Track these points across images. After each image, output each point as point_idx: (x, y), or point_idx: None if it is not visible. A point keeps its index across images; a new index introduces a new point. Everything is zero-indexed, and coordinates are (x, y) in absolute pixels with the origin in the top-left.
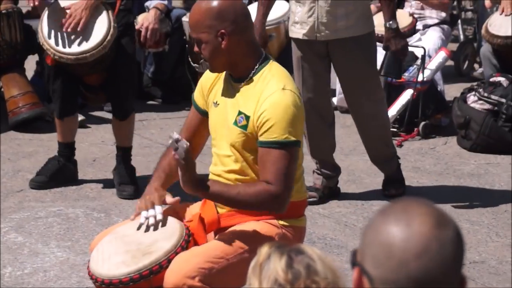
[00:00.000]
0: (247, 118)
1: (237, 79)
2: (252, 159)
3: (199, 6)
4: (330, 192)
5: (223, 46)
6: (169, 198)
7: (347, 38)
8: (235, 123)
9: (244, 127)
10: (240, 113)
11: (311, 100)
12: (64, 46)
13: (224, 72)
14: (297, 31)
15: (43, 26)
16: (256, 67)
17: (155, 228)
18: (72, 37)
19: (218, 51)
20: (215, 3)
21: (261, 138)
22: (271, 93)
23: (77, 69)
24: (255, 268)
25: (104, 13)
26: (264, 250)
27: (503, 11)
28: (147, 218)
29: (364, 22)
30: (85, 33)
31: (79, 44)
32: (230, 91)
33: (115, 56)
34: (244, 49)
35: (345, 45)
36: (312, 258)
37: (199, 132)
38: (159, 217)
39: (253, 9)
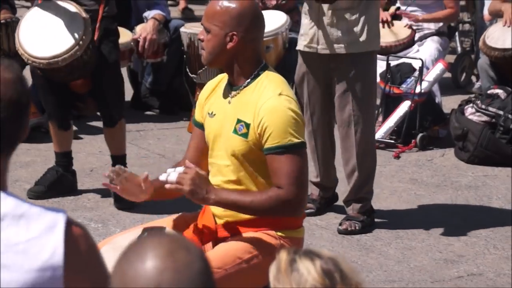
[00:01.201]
0: (247, 126)
1: (235, 86)
2: (252, 169)
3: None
4: (326, 202)
5: (229, 47)
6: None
7: (346, 54)
8: (235, 131)
9: (245, 135)
10: (239, 121)
11: (315, 115)
12: (37, 51)
13: (221, 84)
14: (301, 43)
15: (19, 31)
16: (254, 73)
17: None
18: (46, 41)
19: (221, 48)
20: (239, 4)
21: (265, 146)
22: (267, 99)
23: (55, 75)
24: (280, 277)
25: (80, 19)
26: (283, 257)
27: (506, 23)
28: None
29: (370, 40)
30: (59, 37)
31: (51, 49)
32: (227, 100)
33: (98, 63)
34: (247, 56)
35: (344, 62)
36: (336, 260)
37: (205, 150)
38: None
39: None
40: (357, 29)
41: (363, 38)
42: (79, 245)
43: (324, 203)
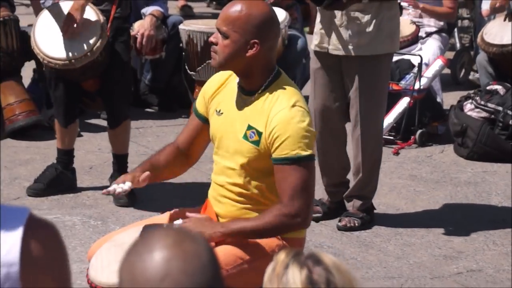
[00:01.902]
0: (259, 134)
1: (247, 91)
2: (258, 176)
3: (244, 5)
4: (337, 206)
5: (249, 54)
6: (141, 176)
7: (356, 56)
8: (245, 137)
9: (256, 142)
10: (250, 127)
11: (321, 113)
12: (53, 51)
13: (231, 82)
14: (313, 42)
15: (35, 30)
16: (267, 81)
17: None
18: (62, 42)
19: (239, 55)
20: (260, 11)
21: (273, 155)
22: (280, 109)
23: (68, 74)
24: (272, 278)
25: (96, 21)
26: (281, 258)
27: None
28: (115, 189)
29: (380, 43)
30: (75, 39)
31: (68, 50)
32: (238, 102)
33: (108, 63)
34: (263, 64)
35: (354, 63)
36: (330, 270)
37: (198, 139)
38: (126, 187)
39: None
40: (368, 31)
41: (373, 40)
42: (39, 243)
43: (334, 208)
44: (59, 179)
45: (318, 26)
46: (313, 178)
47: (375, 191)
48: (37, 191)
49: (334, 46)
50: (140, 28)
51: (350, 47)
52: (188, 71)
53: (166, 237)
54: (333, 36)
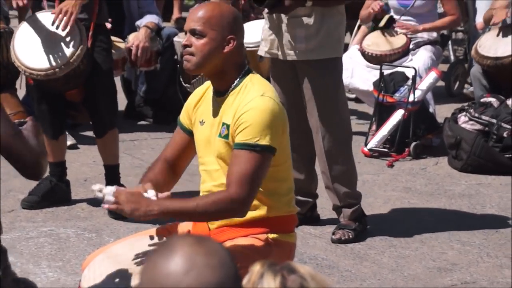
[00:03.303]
0: (228, 127)
1: (220, 92)
2: None
3: (217, 5)
4: (303, 218)
5: (226, 50)
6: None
7: (306, 60)
8: (219, 135)
9: (226, 136)
10: (223, 124)
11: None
12: (34, 63)
13: (209, 92)
14: (262, 48)
15: (15, 43)
16: (237, 79)
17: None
18: (42, 52)
19: (217, 52)
20: (229, 9)
21: (235, 141)
22: (250, 100)
23: (52, 85)
24: (248, 287)
25: (76, 29)
26: (256, 268)
27: (494, 22)
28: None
29: (329, 47)
30: (55, 48)
31: (48, 60)
32: (214, 107)
33: (91, 72)
34: (237, 60)
35: (305, 68)
36: (305, 278)
37: (184, 151)
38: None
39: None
40: (316, 35)
41: (322, 44)
42: None
43: (301, 219)
44: (54, 192)
45: (266, 32)
46: (265, 169)
47: (360, 197)
48: (32, 203)
49: (283, 52)
50: (135, 40)
51: (300, 51)
52: (183, 83)
53: (186, 238)
54: (283, 41)
